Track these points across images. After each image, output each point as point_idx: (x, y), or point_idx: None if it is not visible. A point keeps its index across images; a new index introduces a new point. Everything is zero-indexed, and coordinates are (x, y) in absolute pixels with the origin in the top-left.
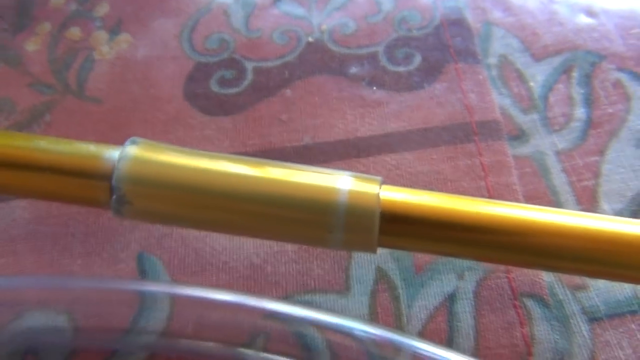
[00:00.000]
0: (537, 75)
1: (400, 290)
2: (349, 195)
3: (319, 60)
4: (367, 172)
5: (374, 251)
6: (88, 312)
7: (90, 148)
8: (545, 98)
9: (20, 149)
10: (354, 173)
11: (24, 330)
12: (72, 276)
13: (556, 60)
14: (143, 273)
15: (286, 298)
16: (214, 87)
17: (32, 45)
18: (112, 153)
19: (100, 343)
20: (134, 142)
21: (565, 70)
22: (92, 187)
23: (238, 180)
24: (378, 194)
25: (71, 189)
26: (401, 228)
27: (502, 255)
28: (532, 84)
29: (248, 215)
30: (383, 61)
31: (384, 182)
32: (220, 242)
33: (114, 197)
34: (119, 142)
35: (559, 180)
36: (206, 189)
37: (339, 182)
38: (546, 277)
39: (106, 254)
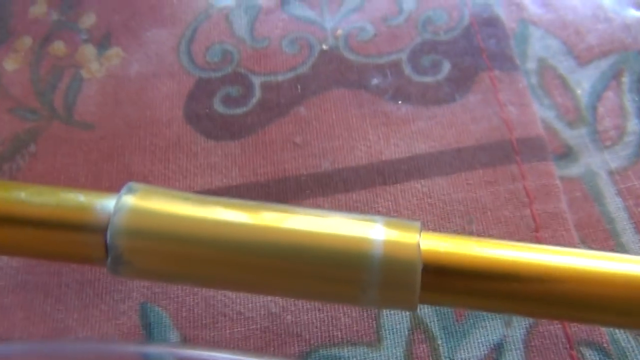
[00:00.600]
0: (583, 81)
1: (439, 341)
2: (384, 247)
3: (334, 71)
4: (395, 201)
5: (415, 310)
6: None
7: (79, 198)
8: (593, 108)
9: None
10: (387, 218)
11: None
12: (69, 341)
13: (604, 64)
14: (147, 327)
15: (310, 352)
16: (218, 107)
17: (11, 64)
18: (107, 203)
19: None
20: (130, 190)
21: (614, 75)
22: (85, 244)
23: (254, 232)
24: (418, 243)
25: (59, 245)
26: (446, 283)
27: (568, 312)
28: (578, 92)
29: (267, 272)
30: (407, 70)
31: (423, 228)
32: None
33: (110, 256)
34: (114, 173)
35: (614, 205)
36: (217, 243)
37: (372, 231)
38: (605, 327)
39: (105, 306)
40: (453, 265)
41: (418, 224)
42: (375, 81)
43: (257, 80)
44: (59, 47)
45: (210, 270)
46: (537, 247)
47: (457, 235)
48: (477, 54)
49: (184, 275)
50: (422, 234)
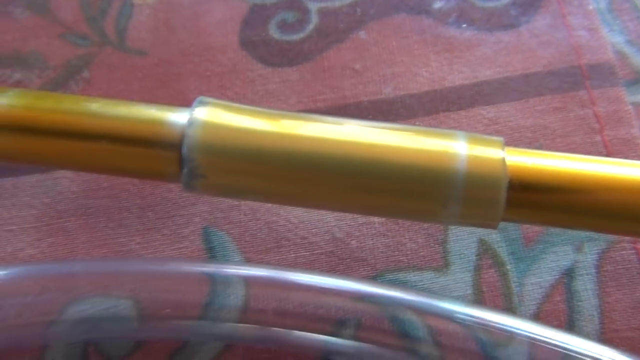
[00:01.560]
0: None
1: (508, 266)
2: (468, 162)
3: None
4: (459, 128)
5: (495, 227)
6: (154, 299)
7: (152, 111)
8: None
9: (68, 113)
10: (469, 133)
11: (84, 320)
12: (133, 259)
13: None
14: (211, 251)
15: (376, 277)
16: (274, 33)
17: None
18: (179, 117)
19: (169, 333)
20: (202, 103)
21: None
22: (158, 158)
23: (333, 146)
24: (503, 158)
25: (132, 160)
26: (533, 198)
27: None
28: None
29: (346, 188)
30: None
31: (505, 144)
32: (296, 214)
33: (185, 169)
34: (169, 99)
35: None
36: (295, 158)
37: (454, 145)
38: None
39: (167, 231)
40: (539, 180)
41: (501, 139)
42: (437, 5)
43: (313, 6)
44: None
45: (285, 186)
46: (622, 161)
47: (541, 151)
48: None
49: (258, 190)
50: (506, 149)
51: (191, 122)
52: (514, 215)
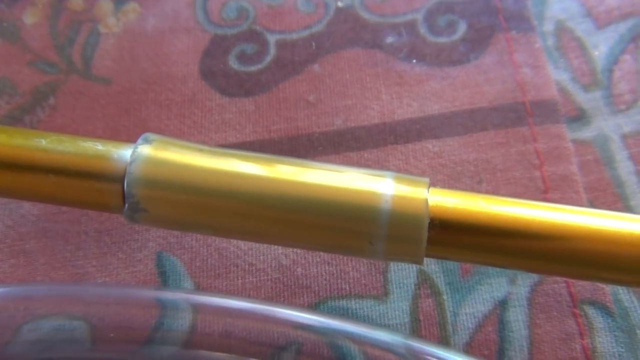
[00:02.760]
0: (600, 44)
1: (444, 296)
2: (392, 201)
3: (349, 30)
4: (406, 160)
5: (421, 263)
6: (106, 322)
7: (97, 147)
8: (609, 72)
9: (20, 148)
10: (397, 174)
11: (39, 340)
12: (88, 284)
13: (622, 27)
14: (163, 275)
15: (319, 303)
16: (233, 64)
17: (30, 18)
18: (123, 153)
19: (119, 355)
20: (146, 140)
21: (633, 38)
22: (102, 192)
23: (267, 184)
24: (426, 198)
25: (78, 193)
26: (452, 237)
27: (573, 269)
28: (595, 54)
29: (278, 223)
30: (423, 30)
31: (432, 184)
32: (245, 242)
33: (127, 204)
34: (131, 127)
35: (625, 169)
36: (231, 194)
37: (381, 186)
38: (609, 285)
39: (122, 254)
40: (460, 220)
41: (427, 179)
42: (389, 40)
43: (272, 38)
44: (76, 1)
45: (222, 220)
46: (543, 204)
47: (465, 191)
48: (493, 15)
49: (197, 223)
50: (430, 189)
51: (133, 159)
52: (436, 253)
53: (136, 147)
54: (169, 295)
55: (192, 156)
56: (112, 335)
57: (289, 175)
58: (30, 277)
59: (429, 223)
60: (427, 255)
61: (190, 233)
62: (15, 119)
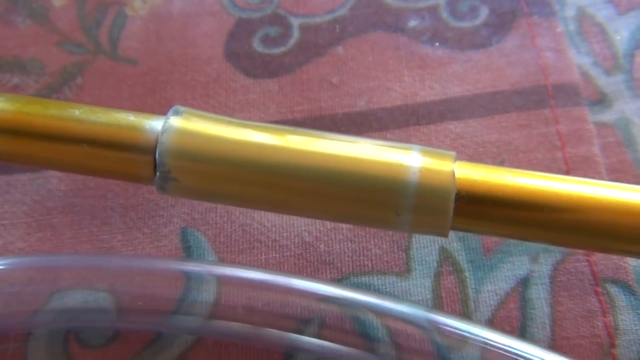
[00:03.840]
0: (622, 29)
1: (467, 273)
2: (420, 173)
3: (372, 14)
4: (428, 141)
5: (446, 235)
6: (132, 293)
7: (129, 118)
8: (631, 56)
9: (54, 118)
10: (423, 147)
11: (66, 310)
12: (114, 255)
13: None
14: (187, 250)
15: (341, 280)
16: (258, 46)
17: (58, 0)
18: (155, 124)
19: (144, 325)
20: (177, 112)
21: None
22: (134, 162)
23: (295, 155)
24: (453, 171)
25: (110, 163)
26: (478, 210)
27: (595, 240)
28: (617, 38)
29: (305, 194)
30: (445, 15)
31: (457, 158)
32: (269, 218)
33: (158, 173)
34: (157, 106)
35: None
36: (259, 165)
37: (408, 158)
38: (632, 261)
39: (147, 229)
40: (485, 193)
41: (453, 153)
42: (412, 24)
43: (295, 22)
44: None
45: (250, 191)
46: (567, 178)
47: (490, 165)
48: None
49: (225, 194)
50: (457, 162)
51: (165, 129)
52: (462, 225)
53: (167, 119)
54: (194, 267)
55: (220, 128)
56: (138, 305)
57: (316, 146)
58: (57, 250)
59: (456, 195)
60: (453, 228)
61: (218, 204)
62: (44, 98)
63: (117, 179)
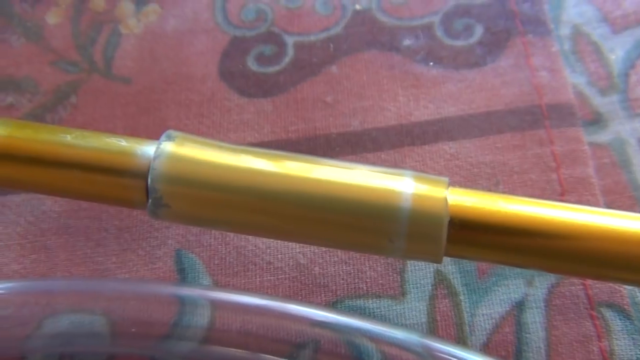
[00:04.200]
0: (617, 49)
1: (462, 297)
2: (412, 200)
3: (367, 32)
4: (422, 162)
5: (440, 261)
6: (126, 317)
7: (121, 143)
8: (626, 76)
9: (46, 143)
10: (416, 173)
11: (60, 334)
12: (109, 279)
13: (639, 32)
14: (182, 272)
15: (336, 303)
16: (252, 65)
17: (53, 18)
18: (147, 149)
19: (138, 349)
20: (169, 137)
21: None
22: (126, 187)
23: (288, 181)
24: (445, 198)
25: (103, 188)
26: (471, 236)
27: (589, 268)
28: (611, 58)
29: (298, 220)
30: (440, 34)
31: (450, 183)
32: (263, 241)
33: (150, 199)
34: (151, 126)
35: None
36: (252, 191)
37: (401, 185)
38: (627, 285)
39: (142, 251)
40: (478, 219)
41: (446, 179)
42: (406, 43)
43: (290, 40)
44: (98, 2)
45: (243, 217)
46: (560, 205)
47: (484, 191)
48: (510, 18)
49: (218, 220)
50: (449, 188)
51: (157, 155)
52: (456, 252)
53: (160, 144)
54: (187, 291)
55: (213, 153)
56: (132, 330)
57: (309, 173)
58: (51, 272)
59: (449, 222)
60: (447, 254)
61: (210, 229)
62: (38, 117)
63: (110, 204)
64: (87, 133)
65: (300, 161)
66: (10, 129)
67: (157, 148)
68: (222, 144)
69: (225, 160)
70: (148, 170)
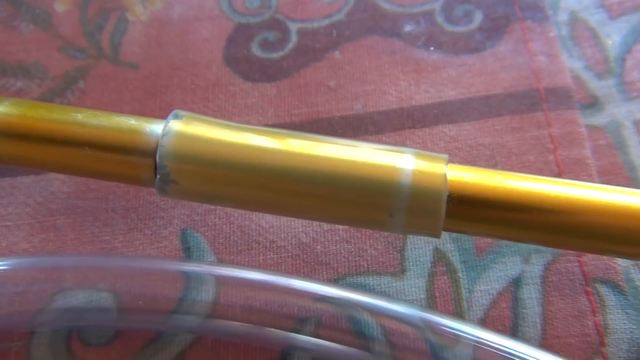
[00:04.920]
0: (613, 34)
1: (460, 274)
2: (412, 176)
3: (369, 19)
4: (423, 144)
5: (438, 236)
6: (132, 293)
7: (131, 122)
8: (622, 60)
9: (57, 122)
10: (416, 150)
11: (69, 309)
12: (116, 256)
13: (635, 18)
14: (187, 251)
15: (337, 280)
16: (256, 51)
17: (61, 5)
18: (155, 127)
19: (144, 324)
20: (177, 116)
21: None
22: (135, 164)
23: (291, 158)
24: (445, 174)
25: (112, 165)
26: (470, 211)
27: (585, 241)
28: (608, 43)
29: (302, 196)
30: (440, 20)
31: (449, 160)
32: (267, 220)
33: (159, 175)
34: (157, 110)
35: (637, 154)
36: (256, 168)
37: (401, 161)
38: (622, 261)
39: (148, 231)
40: (476, 195)
41: (445, 156)
42: (408, 29)
43: (293, 27)
44: None
45: (247, 193)
46: (557, 180)
47: (482, 168)
48: (509, 5)
49: (223, 196)
50: (448, 165)
51: (165, 133)
52: (454, 226)
53: (167, 122)
54: (193, 267)
55: (219, 131)
56: (139, 305)
57: (313, 150)
58: (60, 251)
59: (448, 197)
60: (445, 229)
61: (216, 205)
62: (46, 102)
63: (119, 182)
64: (97, 112)
65: (304, 139)
66: (24, 109)
67: (165, 126)
68: (228, 122)
69: (231, 138)
70: (156, 148)
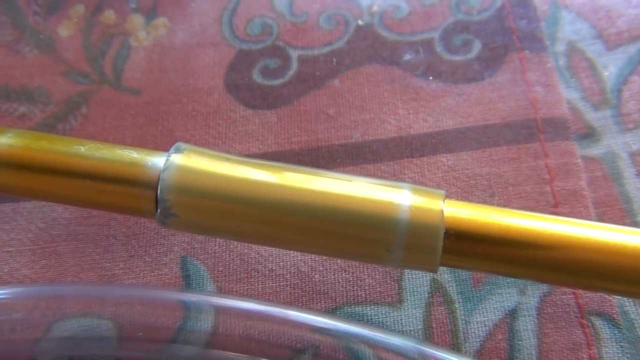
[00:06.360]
0: (610, 65)
1: (457, 305)
2: (410, 212)
3: (369, 47)
4: (421, 173)
5: (435, 271)
6: (133, 322)
7: (133, 155)
8: (618, 92)
9: (60, 154)
10: (414, 185)
11: (69, 338)
12: (116, 284)
13: (632, 49)
14: (187, 278)
15: (335, 309)
16: (257, 78)
17: (65, 30)
18: (157, 161)
19: (144, 353)
20: (178, 149)
21: None
22: (136, 197)
23: (291, 192)
24: (442, 210)
25: (113, 198)
26: (466, 247)
27: (580, 279)
28: (605, 74)
29: (300, 230)
30: (439, 49)
31: (446, 196)
32: (266, 248)
33: (160, 209)
34: (159, 136)
35: (633, 185)
36: (257, 202)
37: (399, 197)
38: (616, 296)
39: (149, 258)
40: (473, 231)
41: (442, 192)
42: (407, 57)
43: (294, 54)
44: (109, 15)
45: (247, 226)
46: (552, 217)
47: (479, 204)
48: (507, 35)
49: (224, 229)
50: (445, 201)
51: (167, 167)
52: (451, 262)
53: (169, 156)
54: (192, 297)
55: (220, 165)
56: (139, 334)
57: (311, 184)
58: (61, 277)
59: (445, 233)
60: (442, 264)
61: (216, 238)
62: (49, 127)
63: (120, 213)
64: (100, 145)
65: (303, 173)
66: (27, 140)
67: (167, 160)
68: (229, 156)
69: (231, 172)
70: (158, 181)
